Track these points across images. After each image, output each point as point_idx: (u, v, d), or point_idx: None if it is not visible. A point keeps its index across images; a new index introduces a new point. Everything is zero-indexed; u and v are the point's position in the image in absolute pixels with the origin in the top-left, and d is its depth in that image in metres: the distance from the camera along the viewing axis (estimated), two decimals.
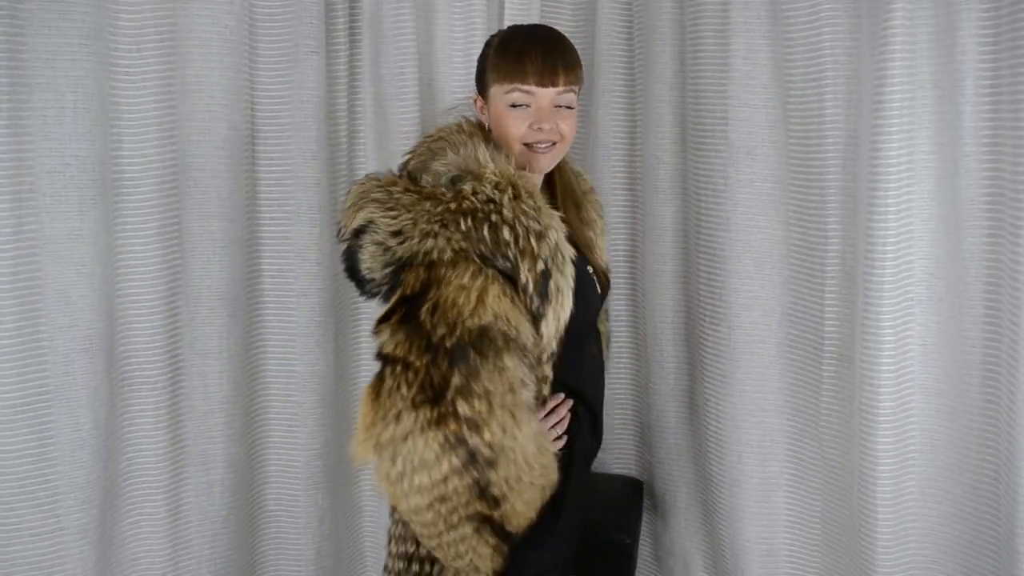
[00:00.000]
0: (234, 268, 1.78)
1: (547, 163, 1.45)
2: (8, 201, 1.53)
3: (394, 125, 1.88)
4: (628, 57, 2.00)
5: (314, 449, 1.89)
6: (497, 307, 1.22)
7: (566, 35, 1.49)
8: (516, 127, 1.40)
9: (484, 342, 1.19)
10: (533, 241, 1.25)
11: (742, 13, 1.76)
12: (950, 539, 1.63)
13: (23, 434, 1.57)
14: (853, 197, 1.67)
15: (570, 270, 1.31)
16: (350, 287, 1.95)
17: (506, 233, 1.24)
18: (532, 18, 1.95)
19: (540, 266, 1.26)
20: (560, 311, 1.29)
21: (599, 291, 1.55)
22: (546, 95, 1.40)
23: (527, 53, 1.40)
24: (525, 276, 1.25)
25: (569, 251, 1.33)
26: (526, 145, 1.42)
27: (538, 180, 1.50)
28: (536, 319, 1.28)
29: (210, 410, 1.77)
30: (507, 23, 1.93)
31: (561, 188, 1.57)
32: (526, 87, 1.39)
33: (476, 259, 1.25)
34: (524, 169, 1.40)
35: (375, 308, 1.96)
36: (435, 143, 1.43)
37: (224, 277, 1.76)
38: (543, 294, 1.26)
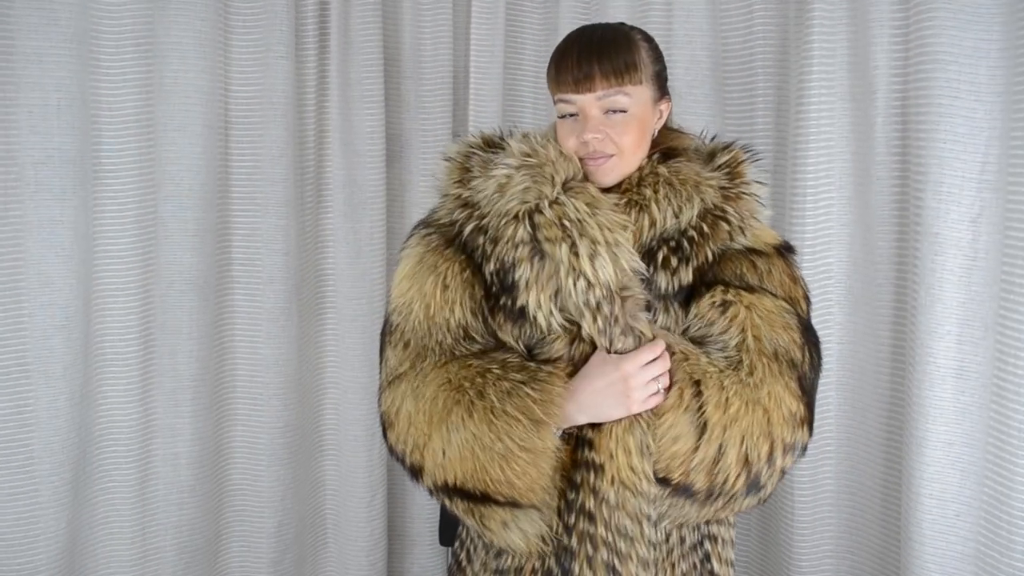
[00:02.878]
0: (205, 255, 1.92)
1: (607, 178, 1.26)
2: None
3: (360, 126, 2.01)
4: None
5: (277, 428, 2.02)
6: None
7: (634, 30, 1.29)
8: (567, 140, 1.26)
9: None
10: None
11: (684, 26, 1.86)
12: (862, 527, 1.71)
13: (3, 402, 1.70)
14: (780, 201, 1.77)
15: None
16: (315, 276, 2.10)
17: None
18: (497, 25, 2.05)
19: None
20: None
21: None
22: (587, 102, 1.23)
23: (565, 57, 1.25)
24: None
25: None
26: (581, 159, 1.26)
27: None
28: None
29: (178, 387, 1.91)
30: (473, 32, 2.06)
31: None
32: (565, 96, 1.24)
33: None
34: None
35: (338, 297, 2.10)
36: None
37: (195, 263, 1.90)
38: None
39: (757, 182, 1.29)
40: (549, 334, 1.21)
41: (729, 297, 1.21)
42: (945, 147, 1.47)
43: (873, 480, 1.68)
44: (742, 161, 1.29)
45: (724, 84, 1.84)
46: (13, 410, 1.72)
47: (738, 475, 1.16)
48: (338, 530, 2.16)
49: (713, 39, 1.85)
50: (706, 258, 1.24)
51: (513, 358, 1.22)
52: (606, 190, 1.26)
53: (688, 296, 1.24)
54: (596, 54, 1.23)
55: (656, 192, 1.24)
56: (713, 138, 1.35)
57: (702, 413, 1.15)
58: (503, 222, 1.21)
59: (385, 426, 1.26)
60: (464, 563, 1.36)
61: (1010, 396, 1.41)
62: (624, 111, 1.23)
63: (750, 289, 1.23)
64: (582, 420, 1.19)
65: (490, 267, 1.24)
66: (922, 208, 1.50)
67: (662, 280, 1.22)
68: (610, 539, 1.17)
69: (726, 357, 1.19)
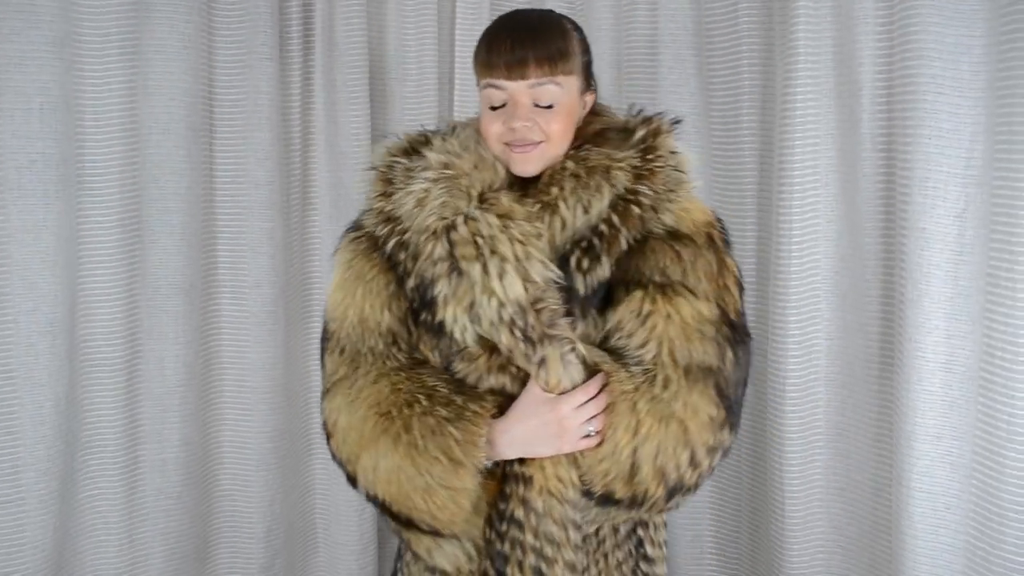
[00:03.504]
0: (191, 259, 1.90)
1: (531, 166, 1.25)
2: None
3: (345, 128, 2.00)
4: None
5: (265, 432, 2.00)
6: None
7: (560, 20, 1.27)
8: (491, 125, 1.25)
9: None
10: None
11: (668, 26, 1.87)
12: (853, 522, 1.72)
13: None
14: (768, 198, 1.78)
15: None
16: (301, 279, 2.09)
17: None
18: (482, 25, 2.04)
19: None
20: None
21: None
22: (519, 89, 1.22)
23: (497, 40, 1.23)
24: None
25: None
26: (506, 144, 1.25)
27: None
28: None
29: (165, 392, 1.89)
30: (458, 32, 2.05)
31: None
32: (496, 81, 1.23)
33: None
34: (509, 169, 1.27)
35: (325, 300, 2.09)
36: None
37: (181, 267, 1.89)
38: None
39: (672, 152, 1.26)
40: (466, 347, 1.23)
41: (647, 307, 1.21)
42: (930, 143, 1.48)
43: (863, 475, 1.69)
44: (660, 133, 1.26)
45: (710, 82, 1.84)
46: None
47: (658, 485, 1.19)
48: (328, 534, 2.15)
49: (698, 38, 1.85)
50: (621, 248, 1.22)
51: (442, 387, 1.24)
52: (524, 189, 1.25)
53: (608, 291, 1.23)
54: (530, 40, 1.21)
55: (562, 190, 1.23)
56: (638, 113, 1.31)
57: (614, 434, 1.18)
58: (423, 238, 1.23)
59: (327, 434, 1.30)
60: (410, 561, 1.37)
61: (998, 389, 1.42)
62: (553, 105, 1.23)
63: (672, 288, 1.21)
64: (512, 456, 1.22)
65: (411, 283, 1.26)
66: (908, 204, 1.51)
67: (579, 284, 1.22)
68: (537, 545, 1.20)
69: (644, 371, 1.20)
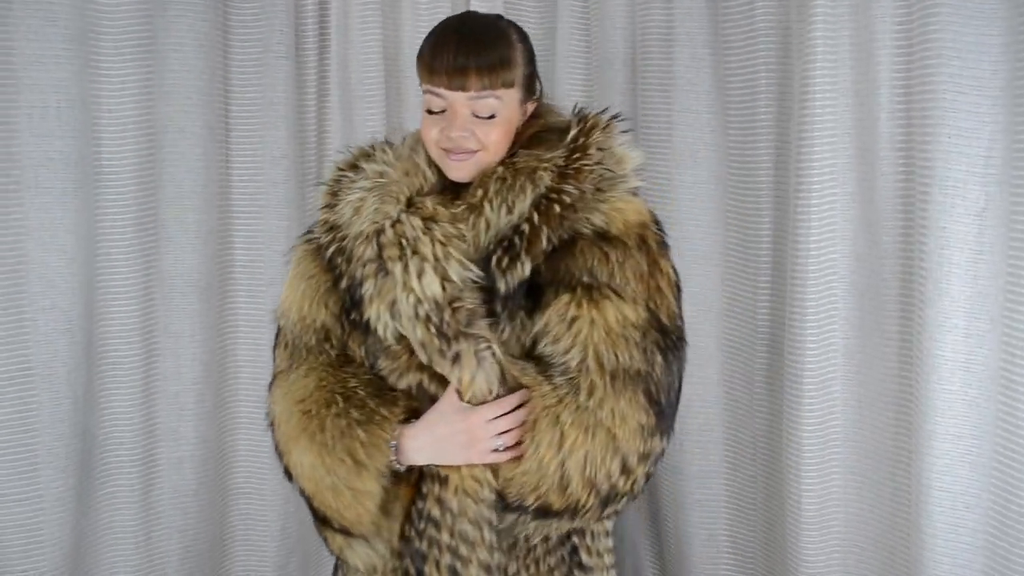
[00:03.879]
0: (207, 257, 1.91)
1: (464, 174, 1.27)
2: None
3: (361, 126, 2.01)
4: (586, 60, 2.10)
5: None
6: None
7: (511, 28, 1.29)
8: (430, 130, 1.26)
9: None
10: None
11: (685, 24, 1.87)
12: (871, 521, 1.72)
13: (6, 406, 1.70)
14: (784, 197, 1.77)
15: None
16: None
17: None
18: None
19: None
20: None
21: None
22: (458, 100, 1.23)
23: (441, 46, 1.23)
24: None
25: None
26: (444, 150, 1.27)
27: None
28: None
29: (182, 390, 1.90)
30: None
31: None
32: (436, 89, 1.23)
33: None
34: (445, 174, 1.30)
35: None
36: None
37: (197, 265, 1.90)
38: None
39: (601, 150, 1.26)
40: (389, 344, 1.26)
41: (572, 311, 1.21)
42: (949, 142, 1.48)
43: (881, 474, 1.68)
44: (593, 131, 1.27)
45: (726, 81, 1.84)
46: (16, 414, 1.71)
47: (589, 495, 1.20)
48: None
49: (714, 36, 1.85)
50: (543, 247, 1.22)
51: (361, 389, 1.27)
52: (456, 192, 1.28)
53: (533, 291, 1.24)
54: (474, 49, 1.22)
55: (487, 192, 1.25)
56: (579, 111, 1.32)
57: (537, 451, 1.19)
58: (357, 243, 1.27)
59: (271, 425, 1.34)
60: None
61: (1018, 388, 1.42)
62: (493, 116, 1.24)
63: (598, 290, 1.21)
64: (421, 461, 1.24)
65: (343, 284, 1.31)
66: (927, 203, 1.50)
67: (500, 283, 1.23)
68: (453, 544, 1.22)
69: (568, 380, 1.21)
